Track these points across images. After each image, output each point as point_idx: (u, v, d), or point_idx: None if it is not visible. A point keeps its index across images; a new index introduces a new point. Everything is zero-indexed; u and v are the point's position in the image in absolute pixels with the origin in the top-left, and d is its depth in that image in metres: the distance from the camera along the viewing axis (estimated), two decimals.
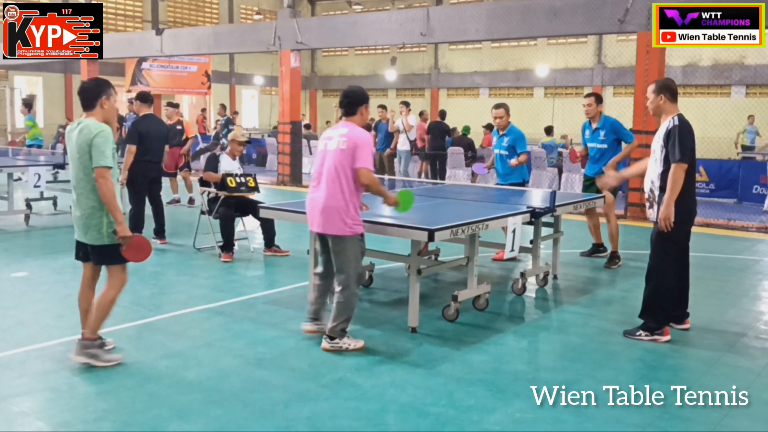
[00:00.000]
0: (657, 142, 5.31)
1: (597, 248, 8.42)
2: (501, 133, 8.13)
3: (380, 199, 5.18)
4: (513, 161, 7.97)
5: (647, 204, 5.45)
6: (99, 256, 4.59)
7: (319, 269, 5.27)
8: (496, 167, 8.25)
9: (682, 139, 5.13)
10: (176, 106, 12.76)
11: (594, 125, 8.03)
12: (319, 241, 5.19)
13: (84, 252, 4.69)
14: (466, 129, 16.41)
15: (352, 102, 5.03)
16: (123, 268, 4.64)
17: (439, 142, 14.98)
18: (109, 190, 4.40)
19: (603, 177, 6.20)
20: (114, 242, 4.51)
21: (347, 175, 4.82)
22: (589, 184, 8.13)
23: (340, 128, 4.99)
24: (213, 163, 8.25)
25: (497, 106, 8.11)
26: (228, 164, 8.26)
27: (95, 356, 4.59)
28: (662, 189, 5.23)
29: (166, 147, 9.74)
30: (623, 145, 8.08)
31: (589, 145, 8.14)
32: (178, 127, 12.10)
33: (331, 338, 4.96)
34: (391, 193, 5.17)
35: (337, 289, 4.98)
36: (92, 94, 4.59)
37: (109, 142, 4.46)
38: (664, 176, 5.22)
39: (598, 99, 8.10)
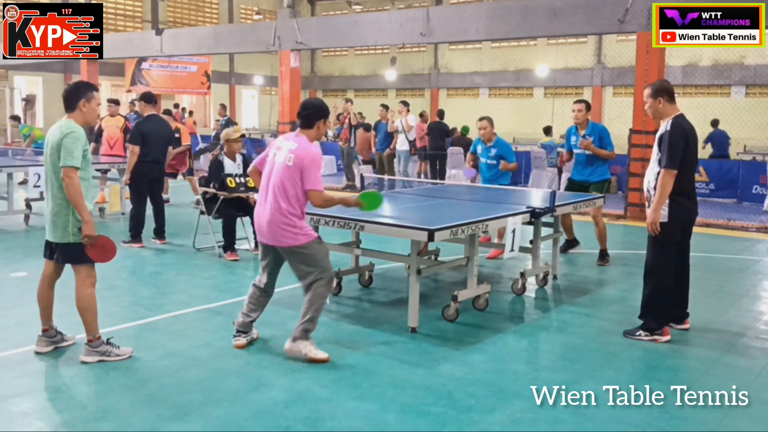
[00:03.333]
0: (655, 144, 5.33)
1: (571, 244, 8.61)
2: (488, 144, 8.52)
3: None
4: (511, 165, 8.31)
5: (647, 204, 5.46)
6: (63, 254, 4.66)
7: (263, 280, 5.04)
8: (482, 175, 8.65)
9: (672, 145, 5.14)
10: (168, 113, 12.65)
11: (581, 131, 8.07)
12: (268, 253, 4.96)
13: (51, 250, 4.77)
14: (465, 129, 16.39)
15: (311, 115, 4.80)
16: (90, 266, 4.70)
17: (438, 142, 14.98)
18: (75, 189, 4.46)
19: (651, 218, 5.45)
20: (79, 241, 4.57)
21: (295, 192, 4.66)
22: (574, 188, 8.13)
23: (291, 141, 4.76)
24: (218, 172, 8.18)
25: (482, 119, 8.56)
26: (229, 166, 8.25)
27: (106, 353, 4.67)
28: (656, 190, 5.26)
29: (170, 147, 9.75)
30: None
31: (576, 150, 8.15)
32: (176, 135, 12.14)
33: (294, 339, 4.79)
34: (350, 197, 5.03)
35: (306, 289, 4.83)
36: (72, 96, 4.69)
37: (79, 142, 4.54)
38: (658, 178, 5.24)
39: (588, 106, 8.19)
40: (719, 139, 16.21)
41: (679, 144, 5.15)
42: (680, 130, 5.20)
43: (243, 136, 8.64)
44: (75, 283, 4.70)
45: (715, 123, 16.47)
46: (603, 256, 8.13)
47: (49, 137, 4.63)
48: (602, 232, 8.09)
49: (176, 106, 23.39)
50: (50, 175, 4.62)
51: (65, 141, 4.51)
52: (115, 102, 12.23)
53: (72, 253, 4.63)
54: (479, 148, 8.68)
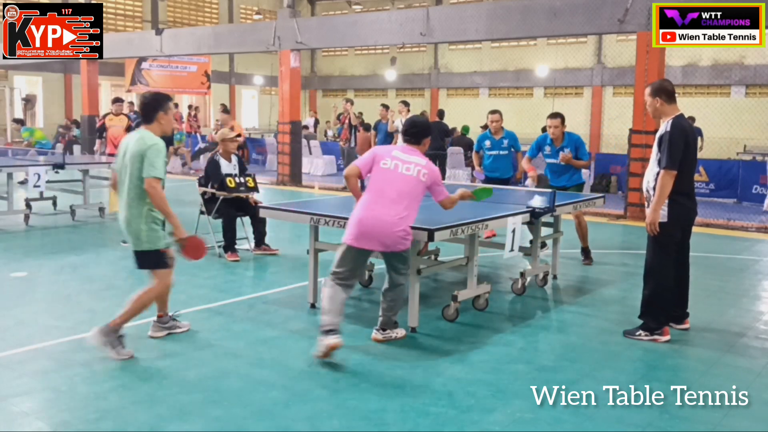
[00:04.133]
0: (655, 144, 5.33)
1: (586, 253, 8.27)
2: (499, 136, 8.86)
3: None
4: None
5: (646, 204, 5.46)
6: (139, 260, 4.85)
7: (351, 282, 5.08)
8: (489, 165, 8.94)
9: (671, 145, 5.14)
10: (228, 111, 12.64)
11: (558, 144, 7.99)
12: (362, 256, 5.06)
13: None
14: (465, 129, 16.40)
15: (419, 133, 5.17)
16: (166, 272, 4.86)
17: (438, 142, 14.96)
18: (161, 198, 4.66)
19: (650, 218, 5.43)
20: (153, 248, 4.75)
21: (418, 204, 5.02)
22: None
23: (413, 155, 5.07)
24: (215, 171, 8.19)
25: (494, 112, 8.96)
26: (224, 166, 8.24)
27: (110, 345, 4.71)
28: (656, 190, 5.26)
29: (170, 147, 9.76)
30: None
31: (550, 161, 8.12)
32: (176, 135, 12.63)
33: (384, 329, 5.18)
34: (466, 192, 5.34)
35: (393, 286, 5.11)
36: (151, 109, 4.84)
37: (161, 154, 4.71)
38: (657, 178, 5.23)
39: (563, 120, 8.05)
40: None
41: (679, 144, 5.15)
42: (680, 130, 5.19)
43: (239, 135, 8.61)
44: (149, 282, 4.88)
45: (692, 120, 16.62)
46: (587, 254, 8.14)
47: (129, 147, 4.73)
48: (584, 231, 8.04)
49: (176, 105, 23.41)
50: (129, 185, 4.73)
51: (149, 153, 4.63)
52: (120, 101, 12.33)
53: (146, 259, 4.81)
54: (488, 143, 8.88)
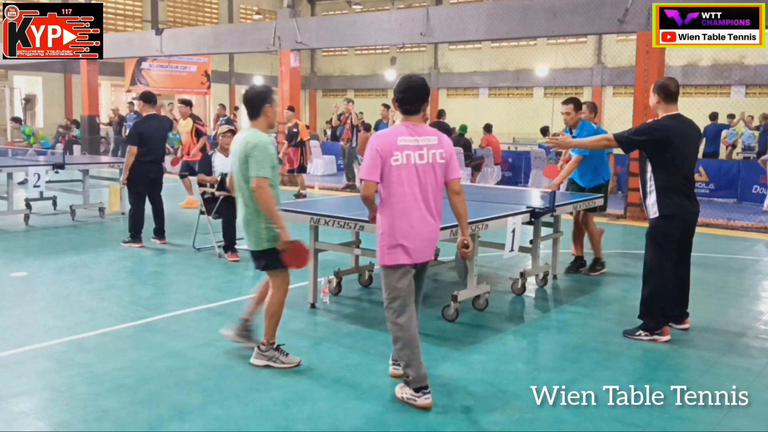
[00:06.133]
0: None
1: (579, 262, 7.70)
2: (575, 131, 7.39)
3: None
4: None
5: (641, 201, 5.49)
6: (257, 260, 4.70)
7: (415, 316, 4.25)
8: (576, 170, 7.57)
9: (637, 128, 5.50)
10: (197, 118, 12.40)
11: (573, 132, 7.36)
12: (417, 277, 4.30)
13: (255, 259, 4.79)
14: (463, 128, 16.36)
15: (420, 97, 4.12)
16: (285, 273, 4.70)
17: None
18: (267, 198, 4.45)
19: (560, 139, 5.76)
20: (271, 247, 4.56)
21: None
22: (576, 188, 7.68)
23: (426, 135, 4.09)
24: (206, 165, 8.25)
25: (566, 102, 7.41)
26: (222, 163, 8.25)
27: (273, 358, 4.68)
28: (643, 187, 5.40)
29: (168, 147, 9.75)
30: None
31: (572, 153, 7.52)
32: (294, 130, 13.46)
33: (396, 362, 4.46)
34: None
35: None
36: (257, 103, 4.66)
37: (267, 153, 4.51)
38: (645, 176, 5.35)
39: (578, 105, 7.36)
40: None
41: (644, 132, 5.31)
42: (658, 125, 5.27)
43: (231, 131, 8.57)
44: (270, 289, 4.72)
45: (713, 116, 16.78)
46: (594, 265, 7.55)
47: (237, 146, 4.60)
48: (595, 239, 7.41)
49: (170, 105, 23.36)
50: (241, 185, 4.60)
51: (255, 152, 4.47)
52: (187, 103, 11.80)
53: (265, 259, 4.64)
54: None
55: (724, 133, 17.05)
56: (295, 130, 13.52)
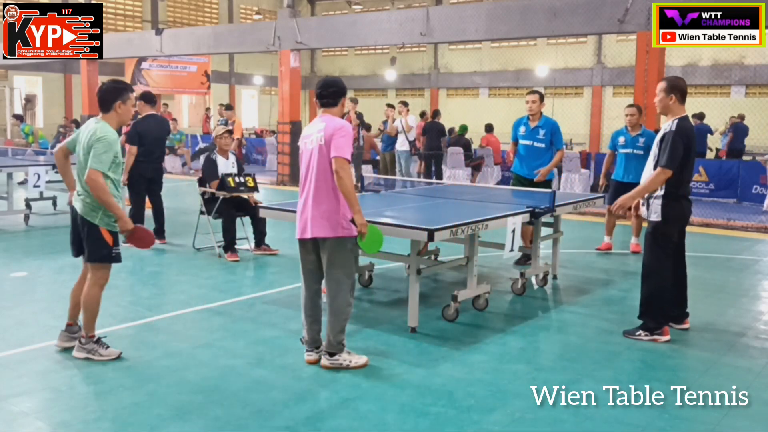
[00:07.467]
0: (655, 143, 5.34)
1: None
2: (635, 133, 8.01)
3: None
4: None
5: (641, 201, 5.47)
6: (89, 238, 4.64)
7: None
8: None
9: (674, 146, 5.13)
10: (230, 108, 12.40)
11: (533, 123, 7.59)
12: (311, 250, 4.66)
13: (78, 246, 4.78)
14: (463, 128, 16.36)
15: (336, 92, 4.62)
16: (106, 268, 4.72)
17: (434, 142, 14.96)
18: (100, 189, 4.47)
19: (621, 199, 5.54)
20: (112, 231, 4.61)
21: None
22: (520, 184, 7.66)
23: (321, 123, 4.56)
24: (212, 169, 8.21)
25: (631, 106, 7.89)
26: (222, 165, 8.25)
27: (92, 351, 4.70)
28: (645, 181, 5.31)
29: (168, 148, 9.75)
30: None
31: (524, 142, 7.66)
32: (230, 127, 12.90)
33: (331, 354, 4.64)
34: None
35: (328, 298, 4.68)
36: (108, 100, 4.72)
37: (111, 149, 4.55)
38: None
39: (542, 97, 7.69)
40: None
41: (679, 147, 5.15)
42: (684, 133, 5.20)
43: (229, 132, 8.57)
44: (87, 281, 4.77)
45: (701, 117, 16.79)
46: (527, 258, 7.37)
47: (84, 134, 4.63)
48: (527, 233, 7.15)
49: (166, 105, 23.37)
50: (82, 174, 4.61)
51: (97, 145, 4.51)
52: (229, 108, 11.73)
53: (95, 249, 4.65)
54: (622, 139, 8.23)
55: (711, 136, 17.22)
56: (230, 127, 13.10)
